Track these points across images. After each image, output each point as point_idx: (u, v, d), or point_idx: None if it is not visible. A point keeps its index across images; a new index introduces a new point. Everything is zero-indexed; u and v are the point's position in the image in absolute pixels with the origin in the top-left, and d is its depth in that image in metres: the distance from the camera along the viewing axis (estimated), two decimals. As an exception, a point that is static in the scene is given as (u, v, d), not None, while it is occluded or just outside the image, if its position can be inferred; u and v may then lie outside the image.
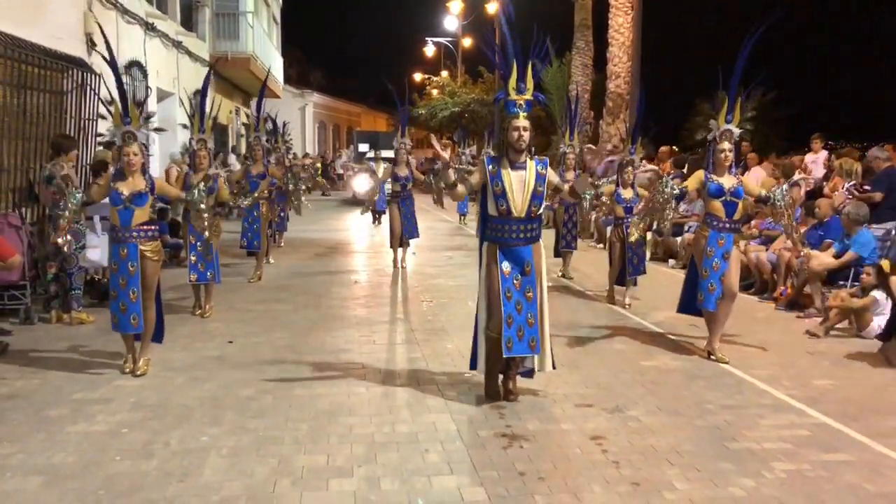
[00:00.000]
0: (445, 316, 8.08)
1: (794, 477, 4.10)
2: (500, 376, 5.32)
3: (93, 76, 10.45)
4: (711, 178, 6.27)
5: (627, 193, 8.64)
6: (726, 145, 6.21)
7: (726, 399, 5.38)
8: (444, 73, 43.24)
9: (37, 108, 9.35)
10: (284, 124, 15.08)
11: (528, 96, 5.06)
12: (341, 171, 30.43)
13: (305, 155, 32.81)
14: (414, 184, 10.97)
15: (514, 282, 5.00)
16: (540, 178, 5.03)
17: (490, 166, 5.05)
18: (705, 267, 6.27)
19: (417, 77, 43.04)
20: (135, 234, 5.56)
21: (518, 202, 4.96)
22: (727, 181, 6.25)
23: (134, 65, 13.97)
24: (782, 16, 6.30)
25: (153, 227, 5.73)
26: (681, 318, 7.16)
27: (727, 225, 6.27)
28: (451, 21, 40.03)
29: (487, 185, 5.04)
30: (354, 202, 22.41)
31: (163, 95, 16.17)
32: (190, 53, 18.41)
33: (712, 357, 6.33)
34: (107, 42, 6.06)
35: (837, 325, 7.30)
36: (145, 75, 14.44)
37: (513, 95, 5.06)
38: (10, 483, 3.94)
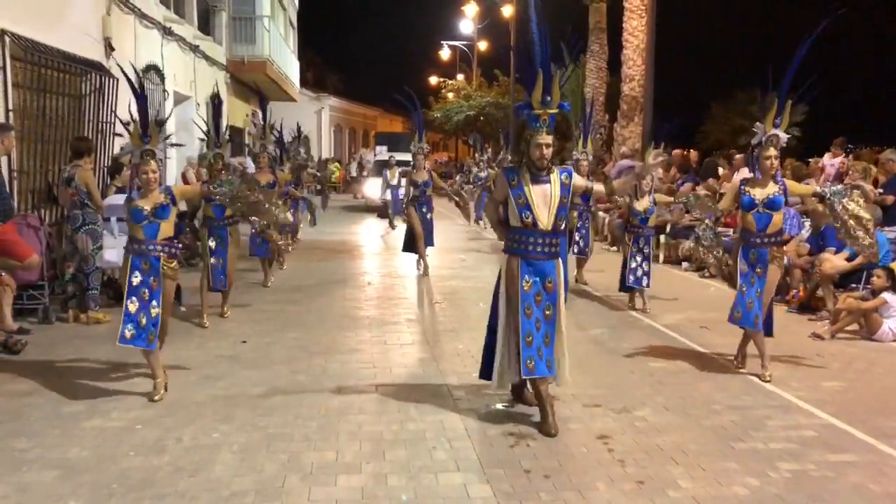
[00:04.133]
0: (457, 317, 8.14)
1: (799, 477, 4.13)
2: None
3: (110, 80, 10.61)
4: (745, 191, 5.86)
5: (642, 205, 8.31)
6: (772, 151, 5.75)
7: (734, 400, 5.40)
8: (460, 77, 43.36)
9: (55, 112, 9.51)
10: (299, 130, 15.22)
11: (553, 109, 4.63)
12: (357, 172, 30.63)
13: (327, 159, 33.05)
14: (433, 189, 10.75)
15: (536, 297, 4.73)
16: (564, 189, 4.73)
17: (510, 178, 4.73)
18: (741, 283, 5.88)
19: (433, 80, 43.20)
20: (159, 248, 5.35)
21: (543, 216, 4.66)
22: (765, 190, 5.81)
23: (151, 69, 14.14)
24: (834, 19, 5.74)
25: (176, 244, 5.55)
26: (692, 320, 7.19)
27: (758, 240, 5.84)
28: (467, 24, 40.16)
29: (509, 197, 4.73)
30: (367, 208, 22.52)
31: (180, 99, 16.35)
32: (207, 57, 18.59)
33: (765, 379, 5.86)
34: (134, 72, 6.25)
35: (847, 328, 7.28)
36: (162, 79, 14.62)
37: (537, 109, 4.63)
38: (27, 476, 4.04)
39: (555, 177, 4.73)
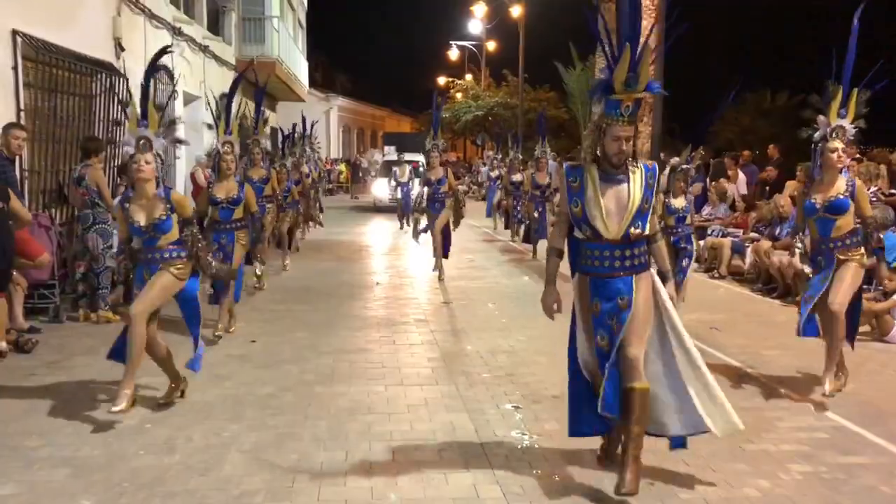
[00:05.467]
0: (466, 318, 8.13)
1: (809, 478, 4.10)
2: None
3: (121, 80, 10.65)
4: (807, 194, 5.41)
5: (679, 202, 7.76)
6: (838, 144, 5.21)
7: (744, 401, 5.36)
8: (468, 77, 43.38)
9: (66, 111, 9.55)
10: (313, 125, 15.25)
11: (639, 93, 3.71)
12: (367, 167, 30.68)
13: (334, 161, 33.14)
14: (448, 188, 10.08)
15: (609, 322, 3.84)
16: (648, 191, 3.81)
17: (571, 178, 3.87)
18: (809, 292, 5.45)
19: (441, 80, 43.24)
20: (165, 255, 4.89)
21: (612, 223, 3.76)
22: (827, 193, 5.29)
23: (161, 69, 14.18)
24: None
25: (180, 246, 4.97)
26: (702, 321, 7.14)
27: (821, 246, 5.37)
28: (476, 24, 40.15)
29: (566, 201, 3.93)
30: (376, 209, 22.53)
31: (189, 99, 16.39)
32: (216, 57, 18.63)
33: (824, 394, 5.26)
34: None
35: (859, 329, 7.23)
36: (172, 79, 14.67)
37: (619, 92, 3.70)
38: (39, 474, 4.06)
39: (635, 176, 3.82)
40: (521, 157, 16.33)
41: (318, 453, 4.37)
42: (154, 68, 5.42)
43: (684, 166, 7.52)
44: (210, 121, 7.96)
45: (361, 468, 4.18)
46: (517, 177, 14.92)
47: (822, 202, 5.29)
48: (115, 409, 4.61)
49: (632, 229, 3.77)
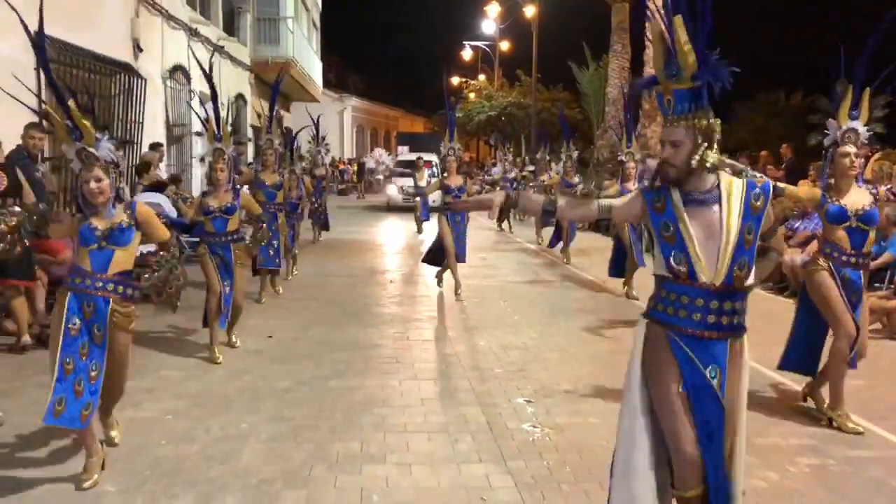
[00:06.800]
0: (478, 315, 8.21)
1: (817, 471, 4.17)
2: None
3: (139, 80, 10.83)
4: (831, 198, 4.82)
5: None
6: (850, 149, 4.71)
7: (755, 396, 5.42)
8: (482, 77, 43.46)
9: (86, 112, 9.70)
10: (318, 122, 15.32)
11: (684, 83, 2.82)
12: (373, 167, 30.72)
13: (349, 160, 33.24)
14: (469, 194, 9.34)
15: (708, 390, 2.86)
16: (752, 218, 2.85)
17: (654, 198, 2.93)
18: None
19: (455, 81, 43.34)
20: (109, 285, 3.89)
21: (709, 262, 2.83)
22: (854, 199, 4.78)
23: (178, 69, 14.37)
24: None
25: (133, 283, 4.03)
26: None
27: (852, 259, 4.80)
28: (489, 24, 40.25)
29: (650, 226, 3.00)
30: (389, 209, 22.63)
31: (206, 99, 16.57)
32: (232, 58, 18.83)
33: (834, 424, 4.86)
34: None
35: (870, 327, 7.26)
36: (188, 79, 14.85)
37: (661, 82, 2.92)
38: (66, 462, 4.18)
39: (730, 195, 2.86)
40: (548, 157, 16.39)
41: (334, 444, 4.47)
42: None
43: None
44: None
45: (376, 458, 4.28)
46: (545, 177, 14.91)
47: (854, 210, 4.75)
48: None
49: (736, 271, 2.83)
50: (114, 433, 4.42)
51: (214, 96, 6.86)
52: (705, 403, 2.84)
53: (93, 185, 3.84)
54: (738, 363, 2.95)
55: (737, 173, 3.13)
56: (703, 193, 2.86)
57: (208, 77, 6.75)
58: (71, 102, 3.89)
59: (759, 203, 2.86)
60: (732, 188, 2.87)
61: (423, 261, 9.77)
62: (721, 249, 2.81)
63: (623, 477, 2.96)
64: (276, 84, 9.64)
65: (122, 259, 3.94)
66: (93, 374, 3.86)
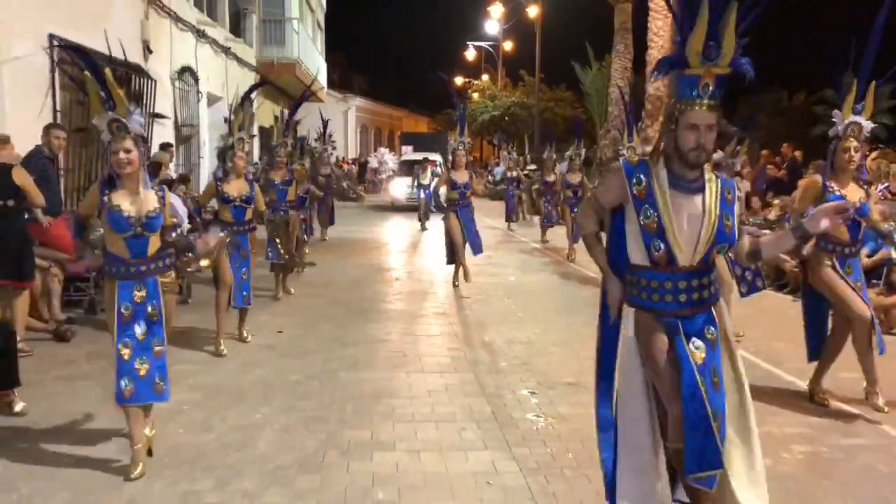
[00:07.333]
0: (483, 312, 8.38)
1: (811, 458, 4.34)
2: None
3: (149, 82, 11.01)
4: (831, 189, 4.88)
5: None
6: (852, 143, 4.79)
7: (753, 389, 5.57)
8: (485, 77, 43.61)
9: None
10: (326, 123, 15.51)
11: (722, 68, 2.85)
12: (376, 167, 30.87)
13: (353, 160, 33.38)
14: (473, 191, 9.89)
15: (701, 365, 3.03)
16: (727, 206, 3.01)
17: (633, 177, 3.02)
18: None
19: (458, 81, 43.52)
20: (153, 265, 4.12)
21: (687, 247, 2.97)
22: (852, 192, 4.89)
23: (186, 70, 14.56)
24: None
25: (169, 254, 4.27)
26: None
27: (850, 250, 5.01)
28: (492, 25, 40.41)
29: (631, 212, 3.05)
30: (393, 208, 22.78)
31: (213, 100, 16.77)
32: (238, 59, 19.02)
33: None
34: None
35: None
36: (196, 80, 15.05)
37: (694, 66, 2.87)
38: (88, 449, 4.36)
39: (713, 184, 3.03)
40: (554, 157, 16.57)
41: (345, 432, 4.65)
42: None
43: (729, 160, 6.94)
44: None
45: (386, 445, 4.46)
46: (551, 177, 15.06)
47: (854, 202, 4.76)
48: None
49: (711, 254, 3.00)
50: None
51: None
52: (706, 360, 3.04)
53: (122, 155, 3.93)
54: (721, 318, 3.14)
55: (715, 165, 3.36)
56: (691, 182, 3.00)
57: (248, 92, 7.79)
58: (107, 71, 3.95)
59: (730, 196, 3.04)
60: (712, 178, 3.05)
61: (448, 262, 9.70)
62: (701, 235, 2.96)
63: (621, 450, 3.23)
64: (301, 100, 9.89)
65: (155, 239, 4.13)
66: (157, 349, 4.09)
